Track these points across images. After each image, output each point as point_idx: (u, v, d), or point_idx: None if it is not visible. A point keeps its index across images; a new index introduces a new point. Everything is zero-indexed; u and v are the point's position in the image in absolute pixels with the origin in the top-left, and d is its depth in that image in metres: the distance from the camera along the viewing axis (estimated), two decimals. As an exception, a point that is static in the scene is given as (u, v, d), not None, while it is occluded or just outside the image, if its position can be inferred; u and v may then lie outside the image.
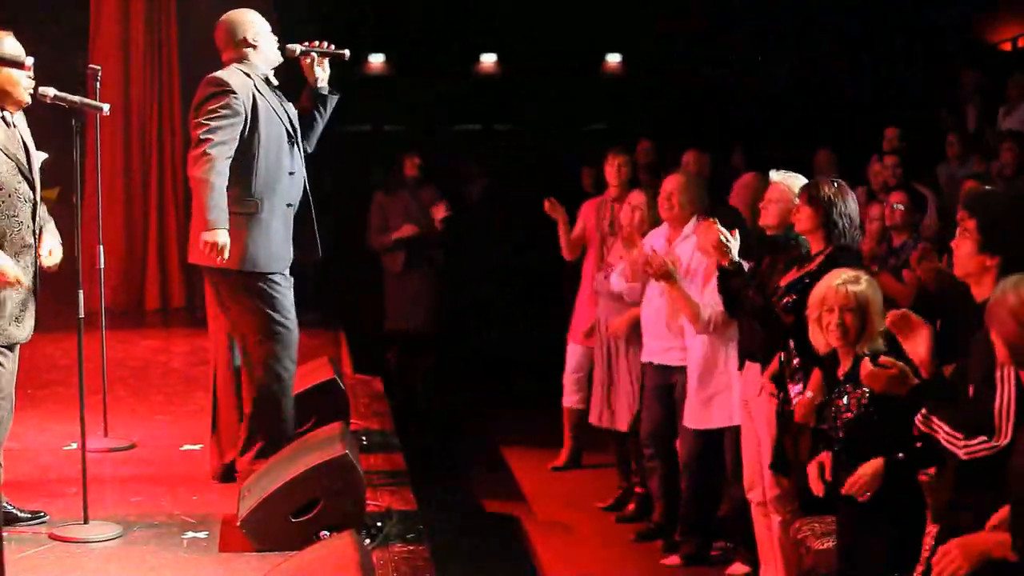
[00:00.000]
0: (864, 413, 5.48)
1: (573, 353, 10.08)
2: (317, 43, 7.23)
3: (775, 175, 7.17)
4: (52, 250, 6.29)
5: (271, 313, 6.98)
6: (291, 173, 7.07)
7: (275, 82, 7.19)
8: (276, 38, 7.20)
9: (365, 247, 12.25)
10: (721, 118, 16.09)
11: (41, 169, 6.29)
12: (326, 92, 7.31)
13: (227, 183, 6.82)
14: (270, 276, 6.99)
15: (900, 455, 5.31)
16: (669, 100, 17.21)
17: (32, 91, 6.27)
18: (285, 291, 7.05)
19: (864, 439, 5.46)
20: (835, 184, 6.60)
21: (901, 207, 8.64)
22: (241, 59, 7.06)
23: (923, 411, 4.87)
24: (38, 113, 6.53)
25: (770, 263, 6.98)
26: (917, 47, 16.67)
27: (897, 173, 11.08)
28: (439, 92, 17.40)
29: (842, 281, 5.66)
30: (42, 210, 6.30)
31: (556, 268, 10.16)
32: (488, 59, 18.96)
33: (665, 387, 8.32)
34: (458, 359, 12.75)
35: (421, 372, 12.24)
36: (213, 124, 6.83)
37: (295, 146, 7.11)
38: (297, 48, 7.22)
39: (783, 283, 6.63)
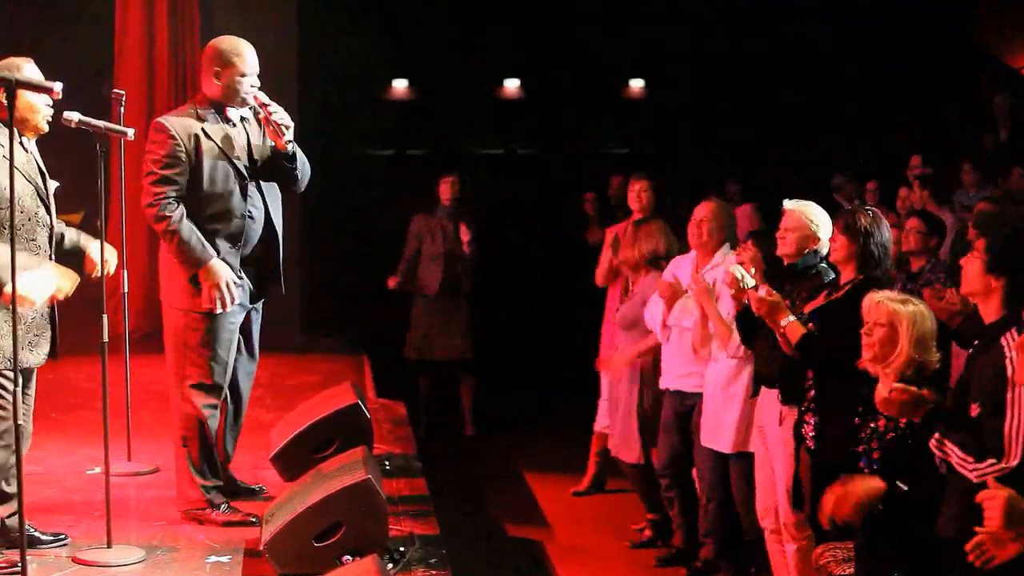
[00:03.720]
0: (901, 436, 5.45)
1: (606, 379, 10.07)
2: (273, 112, 6.98)
3: (789, 203, 7.13)
4: (107, 259, 6.45)
5: (206, 351, 6.99)
6: (247, 216, 7.03)
7: (245, 116, 7.11)
8: (256, 81, 7.06)
9: (389, 270, 12.23)
10: (742, 143, 16.11)
11: (56, 196, 6.33)
12: (281, 156, 7.13)
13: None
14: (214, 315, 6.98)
15: (903, 484, 5.30)
16: (691, 125, 17.27)
17: (50, 119, 6.30)
18: (228, 329, 7.04)
19: (899, 463, 5.44)
20: (870, 213, 6.59)
21: (916, 232, 8.62)
22: (210, 88, 7.00)
23: (936, 435, 4.87)
24: (62, 138, 6.56)
25: (789, 292, 6.96)
26: (940, 69, 16.67)
27: (924, 196, 11.12)
28: (462, 116, 17.44)
29: (884, 297, 5.65)
30: (70, 231, 6.37)
31: (573, 291, 10.15)
32: (511, 84, 19.02)
33: (682, 414, 8.31)
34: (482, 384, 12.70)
35: (470, 396, 12.19)
36: (161, 172, 6.86)
37: (250, 186, 7.05)
38: (250, 100, 7.03)
39: (806, 310, 6.61)
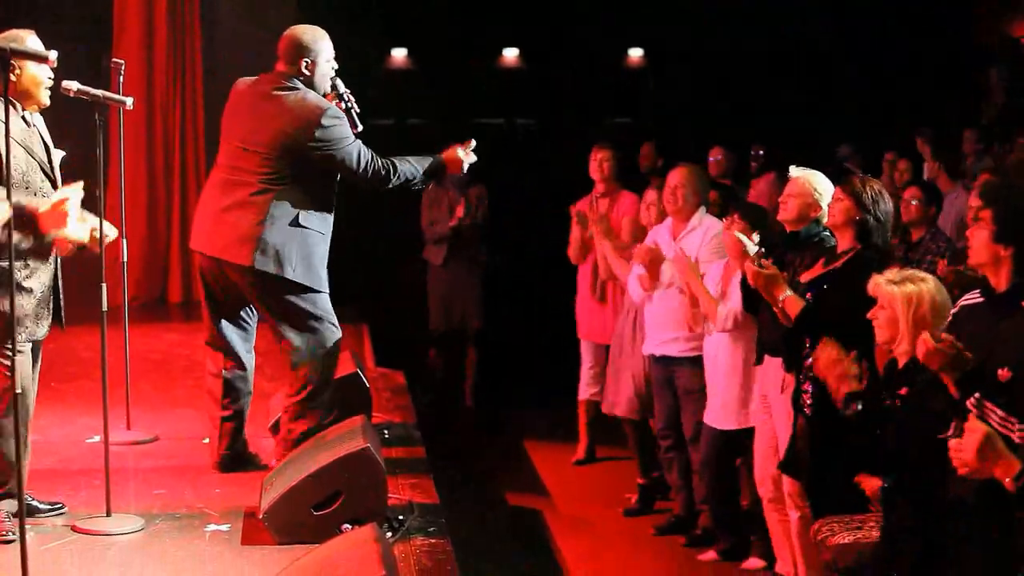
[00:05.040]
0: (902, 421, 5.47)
1: (587, 349, 10.16)
2: (353, 101, 7.25)
3: (796, 170, 7.17)
4: (107, 233, 6.35)
5: (322, 323, 7.12)
6: None
7: None
8: (334, 66, 7.22)
9: (385, 240, 12.19)
10: (742, 116, 16.08)
11: (61, 166, 6.30)
12: None
13: (310, 202, 7.04)
14: (324, 293, 7.16)
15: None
16: (691, 95, 17.24)
17: (51, 90, 6.28)
18: (329, 302, 7.22)
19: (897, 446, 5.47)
20: (876, 182, 6.60)
21: (915, 201, 8.61)
22: (298, 76, 7.08)
23: (976, 395, 4.84)
24: (61, 107, 6.54)
25: (791, 262, 6.97)
26: (940, 69, 16.64)
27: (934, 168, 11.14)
28: (461, 86, 17.40)
29: (884, 279, 5.63)
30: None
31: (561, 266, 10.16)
32: (511, 53, 18.96)
33: (670, 379, 8.34)
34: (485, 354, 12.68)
35: (472, 368, 12.17)
36: (351, 148, 7.05)
37: None
38: (341, 88, 7.24)
39: (804, 279, 6.61)
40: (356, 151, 7.03)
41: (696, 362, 8.10)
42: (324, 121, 6.96)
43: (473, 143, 7.42)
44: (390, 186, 7.17)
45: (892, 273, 5.67)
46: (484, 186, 11.94)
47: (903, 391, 5.41)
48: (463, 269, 11.82)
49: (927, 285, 5.56)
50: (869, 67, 16.90)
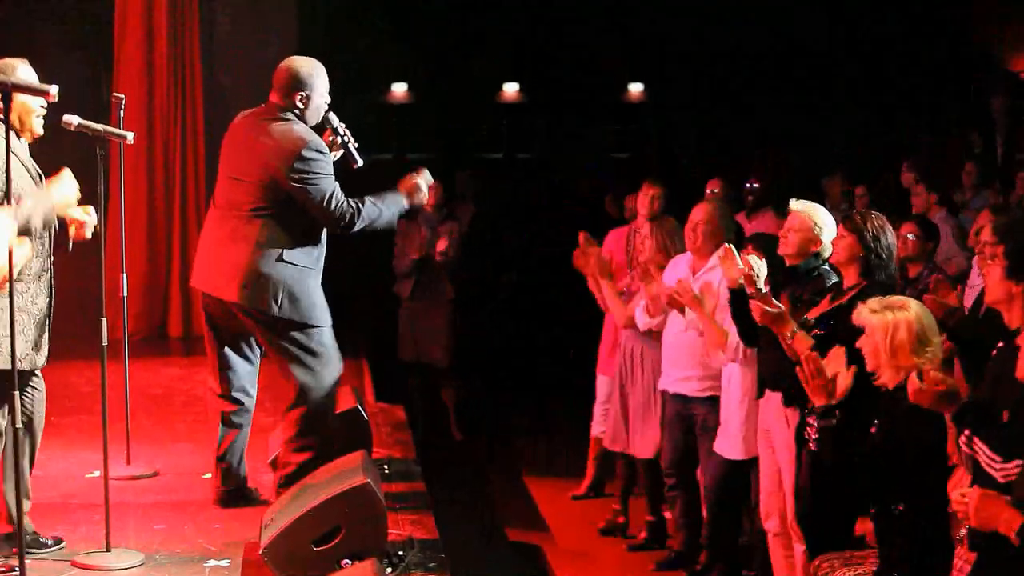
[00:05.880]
0: (880, 445, 5.47)
1: (603, 384, 10.01)
2: (349, 134, 7.27)
3: (795, 204, 7.15)
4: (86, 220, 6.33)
5: (319, 359, 7.09)
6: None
7: None
8: (328, 100, 7.21)
9: (386, 276, 12.23)
10: (740, 148, 16.12)
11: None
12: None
13: (295, 236, 7.03)
14: (322, 327, 7.13)
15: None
16: (691, 125, 17.29)
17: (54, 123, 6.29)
18: (329, 337, 7.18)
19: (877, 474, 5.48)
20: (878, 217, 6.60)
21: (912, 237, 8.60)
22: (292, 109, 7.08)
23: (967, 432, 4.84)
24: (61, 141, 6.55)
25: (792, 294, 6.96)
26: (940, 69, 16.68)
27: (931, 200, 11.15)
28: (461, 120, 17.42)
29: (866, 308, 5.64)
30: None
31: (572, 295, 10.11)
32: (511, 88, 19.01)
33: (684, 416, 8.28)
34: (481, 388, 12.69)
35: (452, 402, 12.17)
36: (325, 186, 6.99)
37: None
38: (335, 122, 7.25)
39: (811, 316, 6.60)
40: (330, 190, 6.96)
41: (710, 401, 8.07)
42: (305, 153, 6.93)
43: (426, 171, 7.45)
44: (355, 230, 7.09)
45: (874, 302, 5.68)
46: (456, 223, 11.98)
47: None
48: (429, 305, 11.87)
49: (906, 313, 5.56)
50: (869, 67, 16.92)
